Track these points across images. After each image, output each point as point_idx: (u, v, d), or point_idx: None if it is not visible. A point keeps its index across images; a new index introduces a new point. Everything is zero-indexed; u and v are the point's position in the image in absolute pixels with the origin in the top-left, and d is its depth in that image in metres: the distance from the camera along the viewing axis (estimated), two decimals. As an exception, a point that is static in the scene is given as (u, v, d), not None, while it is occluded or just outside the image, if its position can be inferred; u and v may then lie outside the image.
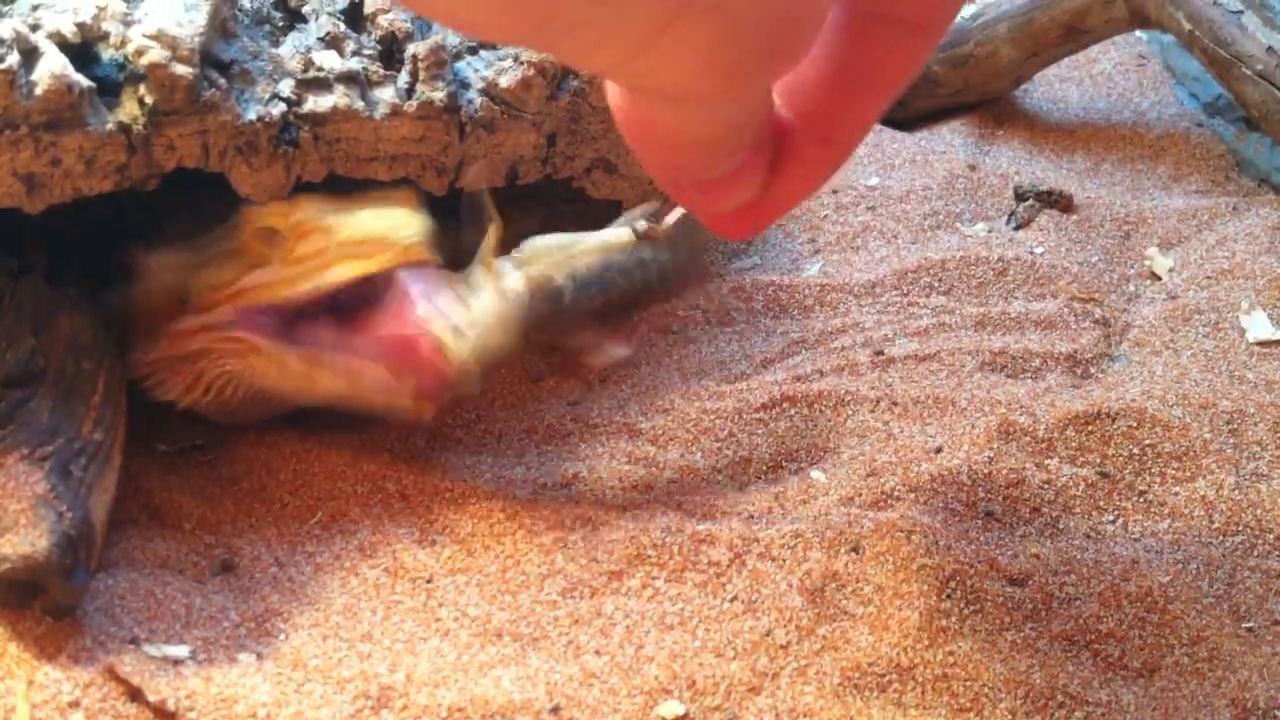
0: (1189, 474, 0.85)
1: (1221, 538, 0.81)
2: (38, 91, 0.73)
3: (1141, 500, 0.84)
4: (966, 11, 1.44)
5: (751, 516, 0.81)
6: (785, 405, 0.90)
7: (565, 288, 0.84)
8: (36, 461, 0.70)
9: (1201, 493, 0.83)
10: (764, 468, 0.87)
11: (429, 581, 0.76)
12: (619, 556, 0.77)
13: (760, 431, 0.89)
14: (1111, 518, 0.83)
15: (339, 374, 0.79)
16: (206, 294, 0.81)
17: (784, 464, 0.87)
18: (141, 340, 0.82)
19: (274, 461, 0.85)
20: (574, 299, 0.84)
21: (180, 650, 0.69)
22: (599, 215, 0.91)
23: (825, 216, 1.11)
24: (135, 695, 0.66)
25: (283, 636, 0.72)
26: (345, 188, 0.83)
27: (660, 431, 0.89)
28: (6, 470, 0.69)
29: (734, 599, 0.75)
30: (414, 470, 0.84)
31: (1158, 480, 0.85)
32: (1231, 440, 0.88)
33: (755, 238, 1.09)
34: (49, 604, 0.68)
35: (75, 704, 0.65)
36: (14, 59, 0.72)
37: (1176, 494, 0.84)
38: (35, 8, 0.76)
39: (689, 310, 0.99)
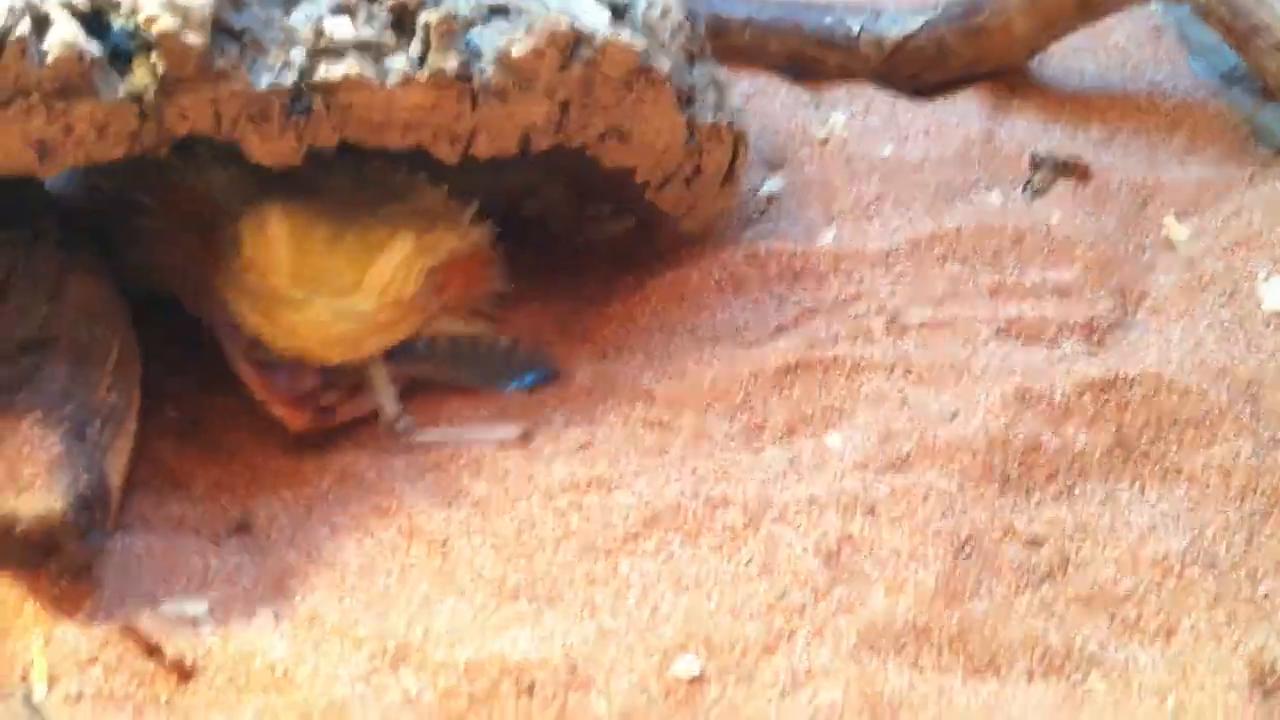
0: (1206, 440, 0.85)
1: (1238, 503, 0.81)
2: (49, 60, 0.73)
3: (1158, 466, 0.84)
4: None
5: (766, 480, 0.81)
6: (799, 371, 0.90)
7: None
8: (52, 424, 0.70)
9: (1218, 459, 0.83)
10: (778, 433, 0.86)
11: (444, 543, 0.76)
12: (634, 520, 0.77)
13: (775, 397, 0.89)
14: (1128, 483, 0.83)
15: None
16: (215, 243, 0.83)
17: (799, 429, 0.87)
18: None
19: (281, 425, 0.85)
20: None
21: (198, 608, 0.70)
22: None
23: (839, 185, 1.11)
24: (152, 652, 0.66)
25: (299, 596, 0.72)
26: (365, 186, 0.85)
27: (674, 396, 0.88)
28: (22, 433, 0.70)
29: (749, 561, 0.75)
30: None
31: (1174, 446, 0.85)
32: (1248, 407, 0.87)
33: (769, 206, 1.09)
34: (65, 563, 0.68)
35: (93, 660, 0.65)
36: (25, 27, 0.72)
37: (1193, 460, 0.84)
38: (47, -25, 0.76)
39: (703, 277, 0.99)
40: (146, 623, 0.67)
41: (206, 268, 0.84)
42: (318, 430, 0.84)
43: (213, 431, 0.85)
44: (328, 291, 0.81)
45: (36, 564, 0.68)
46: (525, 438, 0.85)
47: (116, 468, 0.72)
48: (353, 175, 0.88)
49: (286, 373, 0.82)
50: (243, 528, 0.77)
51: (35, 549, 0.67)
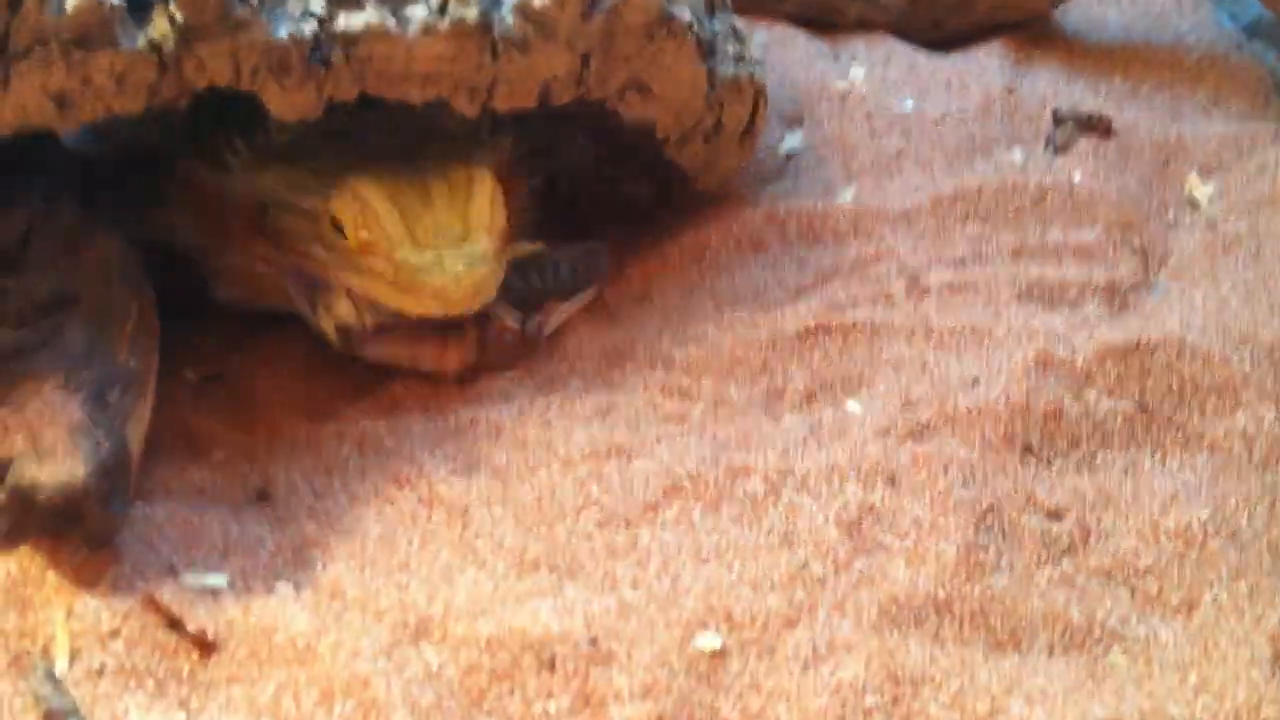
0: (1228, 407, 0.84)
1: (1261, 472, 0.81)
2: (68, 8, 0.72)
3: (1180, 434, 0.83)
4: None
5: (787, 449, 0.80)
6: (819, 335, 0.89)
7: None
8: (72, 389, 0.70)
9: (1241, 426, 0.83)
10: (798, 399, 0.86)
11: (465, 512, 0.75)
12: (654, 488, 0.77)
13: (794, 362, 0.88)
14: (1150, 451, 0.82)
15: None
16: (285, 235, 0.83)
17: (819, 395, 0.86)
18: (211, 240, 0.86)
19: (301, 389, 0.85)
20: None
21: (218, 580, 0.70)
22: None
23: (859, 141, 1.09)
24: (174, 624, 0.66)
25: (320, 566, 0.72)
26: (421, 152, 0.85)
27: (694, 362, 0.88)
28: (42, 398, 0.69)
29: (770, 531, 0.75)
30: (447, 398, 0.84)
31: (1197, 413, 0.85)
32: (1272, 373, 0.87)
33: (789, 163, 1.08)
34: (87, 533, 0.68)
35: (115, 633, 0.65)
36: (43, -24, 0.71)
37: (1216, 427, 0.83)
38: (63, -76, 0.75)
39: (722, 238, 0.98)
40: (168, 595, 0.66)
41: (280, 266, 0.85)
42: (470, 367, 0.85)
43: (232, 394, 0.84)
44: (448, 245, 0.81)
45: (58, 534, 0.67)
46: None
47: (137, 433, 0.72)
48: (380, 130, 0.87)
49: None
50: (262, 495, 0.76)
51: (58, 518, 0.66)
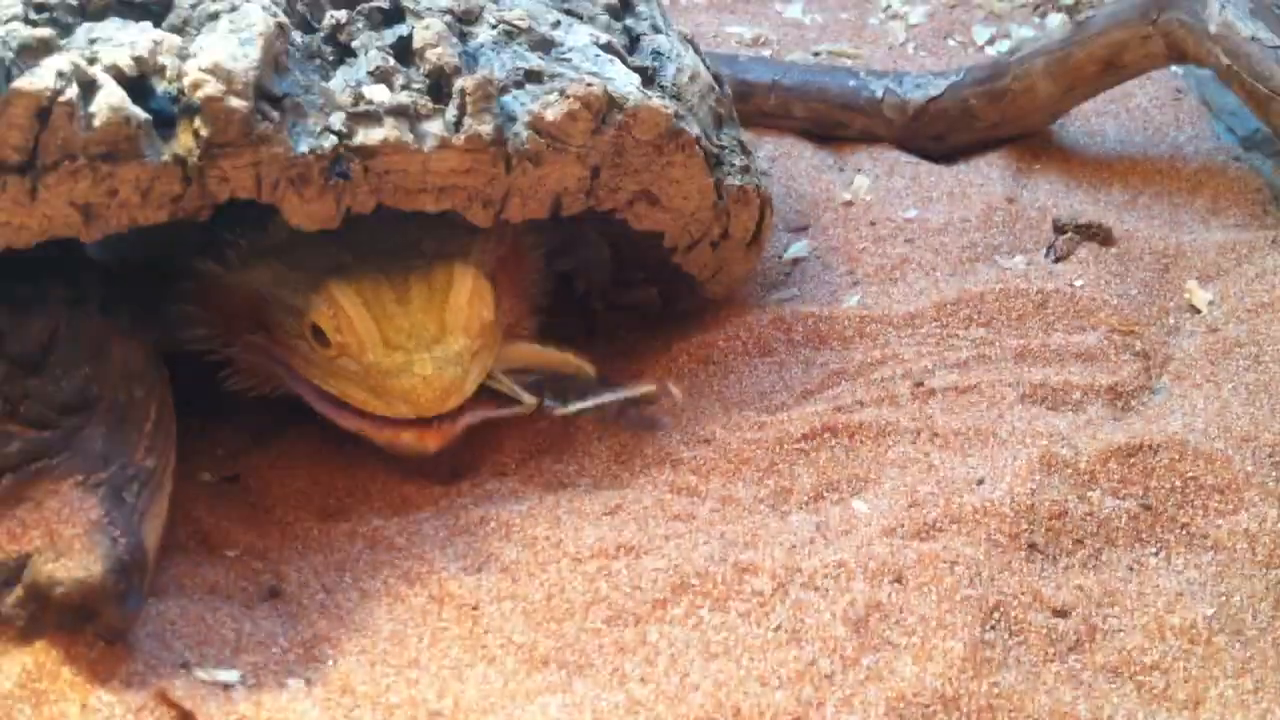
0: (1231, 506, 0.85)
1: (1265, 570, 0.81)
2: (96, 123, 0.74)
3: (1184, 533, 0.84)
4: (1004, 47, 1.45)
5: (794, 546, 0.81)
6: (826, 436, 0.91)
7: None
8: (91, 487, 0.71)
9: (1244, 525, 0.83)
10: (805, 498, 0.87)
11: (475, 608, 0.76)
12: (663, 585, 0.78)
13: (801, 462, 0.89)
14: (1154, 550, 0.83)
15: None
16: (277, 328, 0.85)
17: (825, 494, 0.87)
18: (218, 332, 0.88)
19: (313, 489, 0.86)
20: None
21: (231, 675, 0.70)
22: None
23: (864, 249, 1.12)
24: (187, 719, 0.66)
25: (331, 662, 0.72)
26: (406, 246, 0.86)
27: (702, 461, 0.89)
28: (61, 496, 0.70)
29: (778, 628, 0.76)
30: (457, 496, 0.85)
31: (1200, 513, 0.85)
32: (1274, 473, 0.88)
33: (794, 269, 1.10)
34: (102, 628, 0.68)
35: (128, 727, 0.65)
36: (73, 91, 0.73)
37: (1219, 526, 0.84)
38: (92, 41, 0.77)
39: (729, 341, 1.00)
40: (180, 689, 0.67)
41: (275, 358, 0.86)
42: (451, 444, 0.86)
43: (246, 494, 0.85)
44: (420, 347, 0.82)
45: (74, 629, 0.68)
46: (660, 392, 0.90)
47: (154, 530, 0.73)
48: (377, 223, 0.89)
49: None
50: (275, 593, 0.77)
51: (74, 614, 0.68)
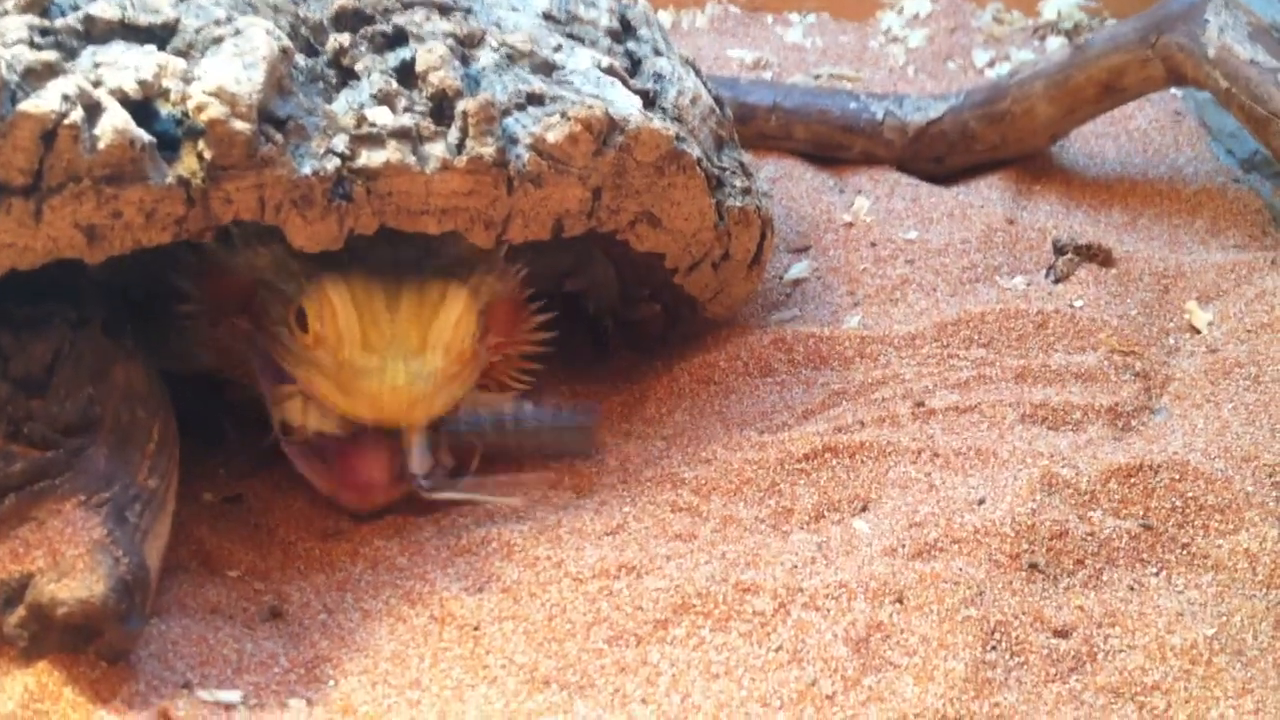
0: (1232, 527, 0.85)
1: (1265, 590, 0.81)
2: (100, 146, 0.74)
3: (1185, 553, 0.84)
4: (1003, 70, 1.45)
5: (795, 566, 0.81)
6: (827, 456, 0.91)
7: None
8: (93, 508, 0.71)
9: (1245, 545, 0.83)
10: (806, 518, 0.87)
11: (476, 629, 0.76)
12: (664, 605, 0.78)
13: (802, 482, 0.89)
14: (1155, 570, 0.83)
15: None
16: (263, 313, 0.85)
17: (826, 514, 0.87)
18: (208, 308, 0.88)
19: (315, 510, 0.86)
20: None
21: (232, 695, 0.70)
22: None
23: (864, 270, 1.12)
24: (188, 740, 0.67)
25: (332, 683, 0.72)
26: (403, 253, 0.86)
27: (703, 481, 0.89)
28: (64, 516, 0.70)
29: (779, 648, 0.76)
30: (459, 516, 0.85)
31: (1201, 533, 0.85)
32: (1274, 493, 0.88)
33: (795, 290, 1.10)
34: (104, 648, 0.69)
35: (130, 748, 0.66)
36: (78, 114, 0.74)
37: (1220, 546, 0.84)
38: (97, 65, 0.78)
39: (730, 361, 1.00)
40: (182, 709, 0.67)
41: (254, 344, 0.86)
42: (377, 508, 0.86)
43: (247, 515, 0.85)
44: (398, 355, 0.82)
45: (76, 648, 0.68)
46: (527, 507, 0.87)
47: (156, 551, 0.73)
48: (390, 234, 0.90)
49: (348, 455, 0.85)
50: (276, 613, 0.77)
51: (76, 633, 0.68)
